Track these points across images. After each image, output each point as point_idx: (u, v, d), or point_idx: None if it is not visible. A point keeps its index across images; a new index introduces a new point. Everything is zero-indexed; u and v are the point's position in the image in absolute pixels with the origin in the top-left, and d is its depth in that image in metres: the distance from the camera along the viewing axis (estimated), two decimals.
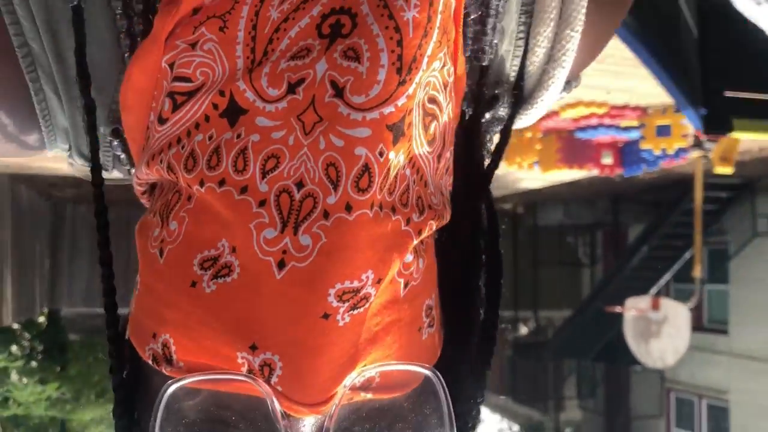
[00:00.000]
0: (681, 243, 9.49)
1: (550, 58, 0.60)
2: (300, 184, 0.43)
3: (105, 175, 0.59)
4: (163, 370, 0.46)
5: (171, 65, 0.48)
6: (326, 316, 0.43)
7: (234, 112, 0.45)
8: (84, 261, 10.12)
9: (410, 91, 0.44)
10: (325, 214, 0.43)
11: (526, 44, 0.60)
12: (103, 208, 0.52)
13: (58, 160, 0.58)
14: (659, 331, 6.96)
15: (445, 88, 0.50)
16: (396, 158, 0.45)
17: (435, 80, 0.48)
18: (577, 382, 13.97)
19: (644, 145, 5.29)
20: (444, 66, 0.49)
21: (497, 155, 0.60)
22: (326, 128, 0.43)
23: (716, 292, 11.47)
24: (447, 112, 0.51)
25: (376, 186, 0.44)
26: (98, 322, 11.76)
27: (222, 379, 0.45)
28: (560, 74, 0.60)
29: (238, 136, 0.44)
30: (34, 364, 10.57)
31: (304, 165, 0.43)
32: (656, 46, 2.95)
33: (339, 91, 0.43)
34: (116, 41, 0.54)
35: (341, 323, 0.44)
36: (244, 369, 0.44)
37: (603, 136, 5.23)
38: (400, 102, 0.44)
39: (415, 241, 0.47)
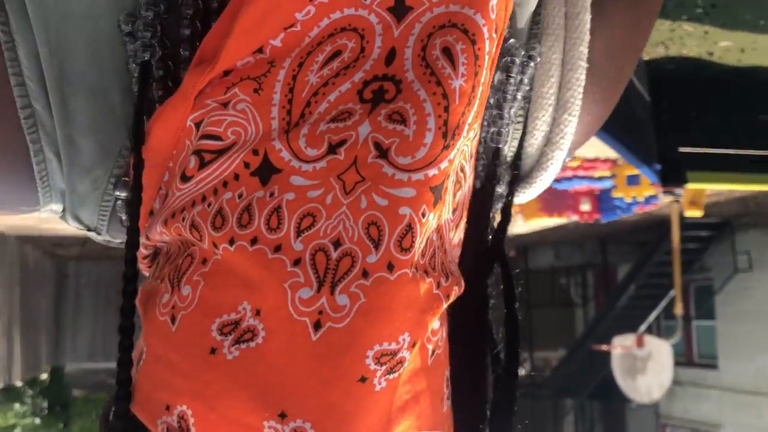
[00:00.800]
0: (666, 281, 9.68)
1: (549, 141, 0.61)
2: (337, 243, 0.42)
3: (101, 238, 0.59)
4: None
5: (197, 124, 0.48)
6: (363, 379, 0.42)
7: (267, 171, 0.44)
8: (87, 317, 10.30)
9: (452, 155, 0.45)
10: (365, 274, 0.42)
11: (524, 127, 0.61)
12: (135, 274, 0.49)
13: (57, 219, 0.58)
14: (645, 367, 7.28)
15: (470, 159, 0.51)
16: (433, 221, 0.45)
17: (466, 149, 0.49)
18: (574, 420, 14.07)
19: (616, 194, 5.64)
20: (476, 137, 0.50)
21: (502, 232, 0.60)
22: (369, 188, 0.43)
23: (704, 328, 11.71)
24: (468, 183, 0.51)
25: (417, 247, 0.43)
26: (101, 377, 11.83)
27: None
28: (558, 156, 0.61)
29: (271, 194, 0.43)
30: (38, 421, 10.67)
31: (342, 224, 0.43)
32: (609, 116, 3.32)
33: (383, 152, 0.43)
34: (125, 104, 0.52)
35: (377, 388, 0.43)
36: None
37: (578, 186, 5.59)
38: (443, 166, 0.44)
39: (444, 305, 0.47)
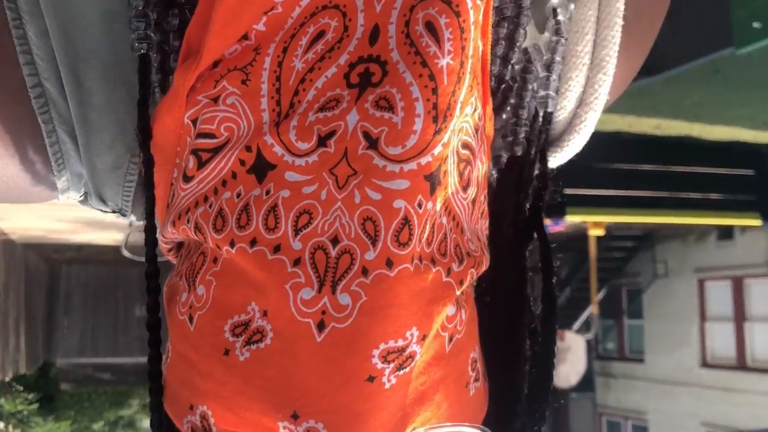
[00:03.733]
0: (597, 285, 10.64)
1: (582, 102, 0.57)
2: (335, 240, 0.41)
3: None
4: None
5: (194, 121, 0.46)
6: (371, 378, 0.41)
7: (262, 168, 0.42)
8: (77, 315, 10.92)
9: (445, 139, 0.42)
10: (364, 271, 0.40)
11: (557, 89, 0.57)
12: (156, 271, 0.48)
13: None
14: (565, 358, 8.59)
15: (477, 132, 0.48)
16: (433, 208, 0.42)
17: (467, 125, 0.46)
18: None
19: None
20: (475, 110, 0.47)
21: (540, 200, 0.56)
22: (361, 181, 0.41)
23: (634, 327, 12.90)
24: (480, 157, 0.49)
25: (416, 239, 0.41)
26: (89, 371, 12.41)
27: None
28: (592, 117, 0.57)
29: (267, 192, 0.42)
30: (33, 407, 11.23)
31: (338, 220, 0.41)
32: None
33: (373, 143, 0.41)
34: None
35: (387, 385, 0.41)
36: None
37: None
38: (437, 151, 0.41)
39: (458, 292, 0.45)
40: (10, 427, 10.07)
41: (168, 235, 0.48)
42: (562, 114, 0.57)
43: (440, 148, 0.42)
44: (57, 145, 0.52)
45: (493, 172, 0.58)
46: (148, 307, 0.47)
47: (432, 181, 0.42)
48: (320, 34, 0.43)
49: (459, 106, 0.43)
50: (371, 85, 0.42)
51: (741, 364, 10.91)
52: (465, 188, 0.47)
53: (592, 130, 0.59)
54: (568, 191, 5.37)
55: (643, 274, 12.31)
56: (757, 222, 6.70)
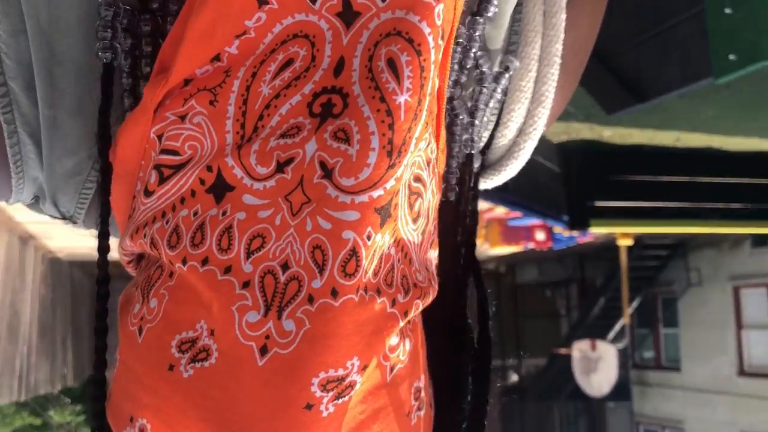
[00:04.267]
0: (631, 294, 10.73)
1: (522, 132, 0.61)
2: (285, 266, 0.41)
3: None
4: None
5: (159, 137, 0.46)
6: (309, 406, 0.41)
7: (221, 188, 0.43)
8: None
9: (398, 173, 0.43)
10: (310, 299, 0.41)
11: (498, 118, 0.60)
12: (106, 277, 0.49)
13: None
14: (597, 367, 8.66)
15: (428, 165, 0.49)
16: (382, 240, 0.43)
17: (420, 159, 0.47)
18: (560, 421, 14.74)
19: (556, 230, 7.00)
20: (428, 145, 0.48)
21: (472, 238, 0.60)
22: (314, 210, 0.41)
23: (670, 335, 12.78)
24: (431, 189, 0.50)
25: (362, 271, 0.42)
26: None
27: None
28: (530, 146, 0.62)
29: (224, 213, 0.42)
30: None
31: (290, 246, 0.41)
32: (520, 192, 4.66)
33: (328, 173, 0.42)
34: (114, 85, 0.50)
35: (325, 413, 0.42)
36: None
37: (532, 222, 6.92)
38: (389, 185, 0.42)
39: (401, 323, 0.45)
40: None
41: (127, 248, 0.49)
42: (502, 141, 0.62)
43: (393, 182, 0.43)
44: (17, 147, 0.51)
45: None
46: (96, 313, 0.48)
47: (382, 214, 0.43)
48: (289, 62, 0.44)
49: (414, 142, 0.44)
50: (332, 116, 0.43)
51: None
52: (415, 220, 0.48)
53: (528, 157, 0.63)
54: (594, 203, 5.53)
55: (677, 282, 12.25)
56: None
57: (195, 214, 0.43)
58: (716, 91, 4.44)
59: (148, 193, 0.46)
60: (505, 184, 0.66)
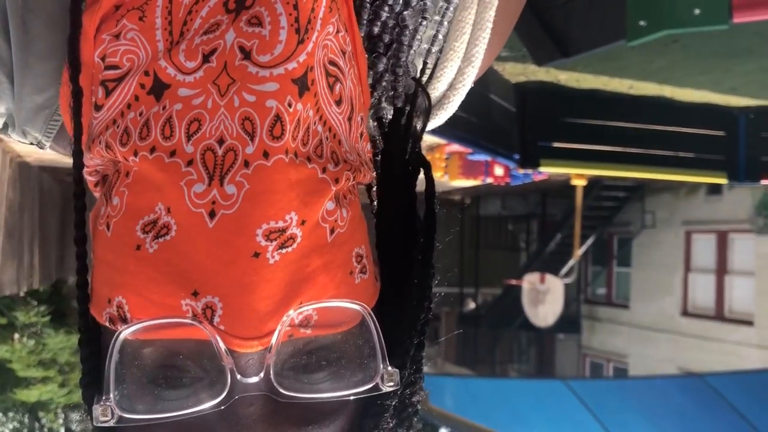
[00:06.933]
0: (586, 232, 11.22)
1: (451, 86, 0.68)
2: (221, 141, 0.46)
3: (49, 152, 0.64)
4: (119, 329, 0.47)
5: (102, 58, 0.52)
6: (257, 254, 0.46)
7: (159, 88, 0.48)
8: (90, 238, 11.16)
9: (309, 48, 0.49)
10: (246, 164, 0.46)
11: (432, 72, 0.67)
12: (82, 191, 0.53)
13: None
14: (544, 299, 9.05)
15: (344, 54, 0.54)
16: (305, 111, 0.48)
17: (332, 44, 0.52)
18: (511, 348, 15.35)
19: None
20: (338, 32, 0.53)
21: (416, 141, 0.64)
22: (239, 87, 0.47)
23: (623, 274, 13.22)
24: (350, 78, 0.55)
25: (288, 133, 0.47)
26: None
27: (167, 323, 0.46)
28: (457, 99, 0.69)
29: (164, 108, 0.48)
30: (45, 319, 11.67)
31: (222, 123, 0.46)
32: (471, 129, 4.83)
33: (247, 54, 0.47)
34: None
35: (271, 261, 0.46)
36: (189, 314, 0.46)
37: (489, 157, 7.16)
38: (301, 58, 0.48)
39: (334, 189, 0.50)
40: (25, 338, 10.62)
41: (89, 164, 0.54)
42: (434, 93, 0.68)
43: (305, 56, 0.49)
44: None
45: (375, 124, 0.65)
46: (75, 224, 0.52)
47: (299, 84, 0.48)
48: None
49: (320, 22, 0.50)
50: (245, 8, 0.49)
51: (719, 314, 11.27)
52: (338, 103, 0.53)
53: (456, 108, 0.71)
54: (545, 144, 5.75)
55: (633, 223, 12.56)
56: (723, 180, 7.01)
57: (140, 114, 0.49)
58: (665, 43, 4.61)
59: (98, 108, 0.52)
60: (457, 121, 0.83)
